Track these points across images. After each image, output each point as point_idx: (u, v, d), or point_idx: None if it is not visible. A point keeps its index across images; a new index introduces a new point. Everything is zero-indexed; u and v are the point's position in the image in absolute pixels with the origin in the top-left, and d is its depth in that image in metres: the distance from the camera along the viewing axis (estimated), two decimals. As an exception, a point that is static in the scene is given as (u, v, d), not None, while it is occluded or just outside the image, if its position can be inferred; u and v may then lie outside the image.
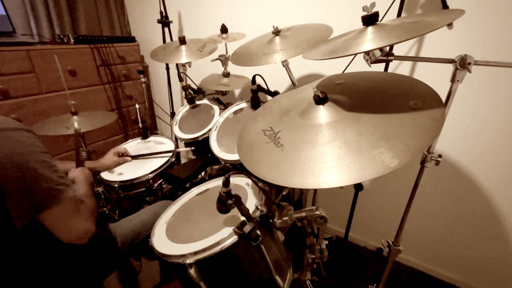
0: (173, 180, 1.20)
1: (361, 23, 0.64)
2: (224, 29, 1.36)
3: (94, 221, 0.80)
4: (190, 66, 1.56)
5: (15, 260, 0.70)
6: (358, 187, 1.31)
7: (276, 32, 1.05)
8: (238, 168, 1.06)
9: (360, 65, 1.03)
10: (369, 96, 0.67)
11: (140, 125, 1.54)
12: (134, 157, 1.34)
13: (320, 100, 0.66)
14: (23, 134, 0.65)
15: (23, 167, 0.61)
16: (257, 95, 1.15)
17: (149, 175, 1.22)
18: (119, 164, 1.29)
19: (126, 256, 0.97)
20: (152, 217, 0.99)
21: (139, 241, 0.98)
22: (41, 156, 0.66)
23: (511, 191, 1.12)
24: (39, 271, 0.75)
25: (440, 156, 0.75)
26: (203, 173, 1.38)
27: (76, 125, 1.17)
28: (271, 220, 0.80)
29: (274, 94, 1.17)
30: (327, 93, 0.67)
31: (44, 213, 0.66)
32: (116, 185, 1.20)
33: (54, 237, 0.69)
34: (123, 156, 1.30)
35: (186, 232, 0.78)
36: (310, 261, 0.93)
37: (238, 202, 0.66)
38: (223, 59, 1.44)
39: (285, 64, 1.05)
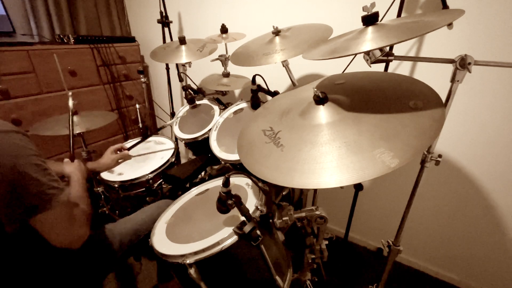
0: (173, 180, 1.20)
1: (361, 23, 0.64)
2: (224, 29, 1.36)
3: (88, 225, 0.77)
4: (190, 66, 1.56)
5: (9, 263, 0.69)
6: (358, 187, 1.31)
7: (276, 32, 1.05)
8: (238, 168, 1.06)
9: (360, 65, 1.02)
10: (369, 96, 0.67)
11: (140, 125, 1.54)
12: (131, 149, 1.31)
13: (320, 100, 0.66)
14: (15, 137, 0.63)
15: (15, 170, 0.60)
16: (257, 95, 1.15)
17: (149, 175, 1.22)
18: (118, 161, 1.25)
19: (125, 256, 0.97)
20: (151, 217, 0.99)
21: (138, 241, 0.97)
22: (34, 159, 0.64)
23: (511, 191, 1.12)
24: (35, 273, 0.75)
25: (440, 156, 0.75)
26: (203, 173, 1.38)
27: (79, 128, 1.18)
28: (271, 220, 0.80)
29: (274, 94, 1.17)
30: (327, 93, 0.67)
31: (35, 217, 0.64)
32: (116, 185, 1.20)
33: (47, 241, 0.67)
34: (121, 151, 1.27)
35: (186, 232, 0.79)
36: (310, 261, 0.93)
37: (238, 202, 0.66)
38: (223, 59, 1.44)
39: (285, 64, 1.05)
